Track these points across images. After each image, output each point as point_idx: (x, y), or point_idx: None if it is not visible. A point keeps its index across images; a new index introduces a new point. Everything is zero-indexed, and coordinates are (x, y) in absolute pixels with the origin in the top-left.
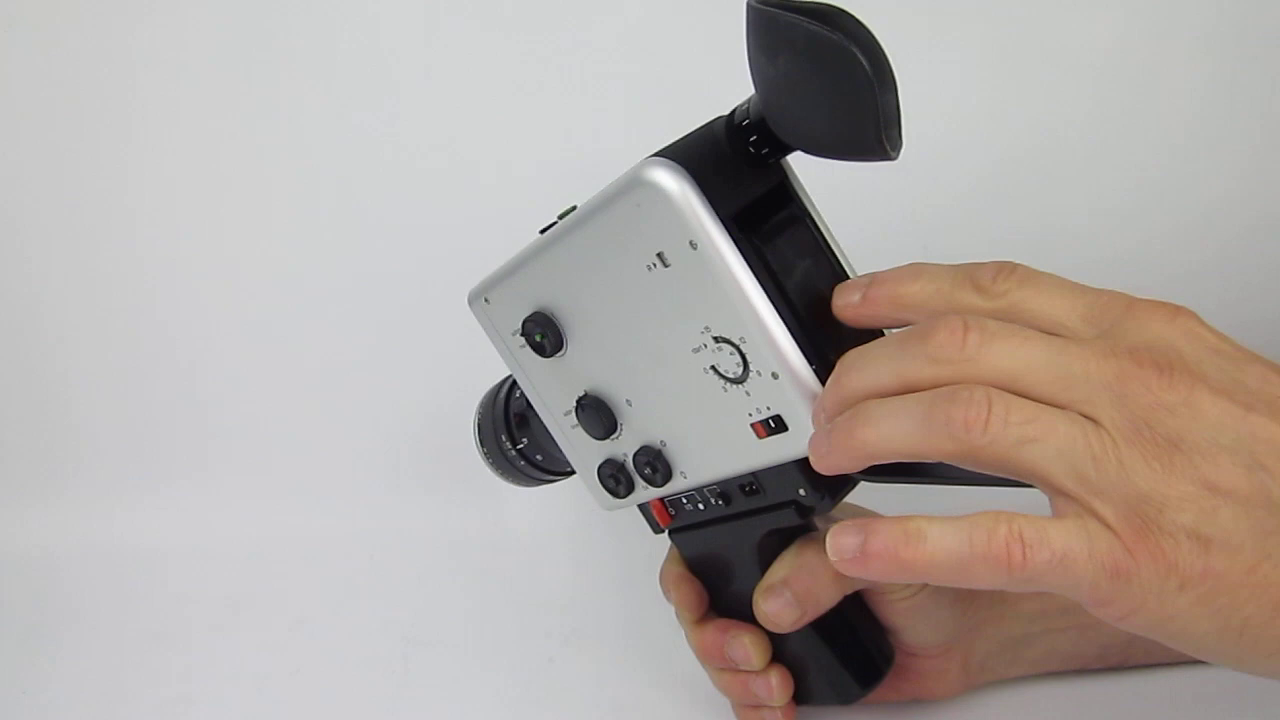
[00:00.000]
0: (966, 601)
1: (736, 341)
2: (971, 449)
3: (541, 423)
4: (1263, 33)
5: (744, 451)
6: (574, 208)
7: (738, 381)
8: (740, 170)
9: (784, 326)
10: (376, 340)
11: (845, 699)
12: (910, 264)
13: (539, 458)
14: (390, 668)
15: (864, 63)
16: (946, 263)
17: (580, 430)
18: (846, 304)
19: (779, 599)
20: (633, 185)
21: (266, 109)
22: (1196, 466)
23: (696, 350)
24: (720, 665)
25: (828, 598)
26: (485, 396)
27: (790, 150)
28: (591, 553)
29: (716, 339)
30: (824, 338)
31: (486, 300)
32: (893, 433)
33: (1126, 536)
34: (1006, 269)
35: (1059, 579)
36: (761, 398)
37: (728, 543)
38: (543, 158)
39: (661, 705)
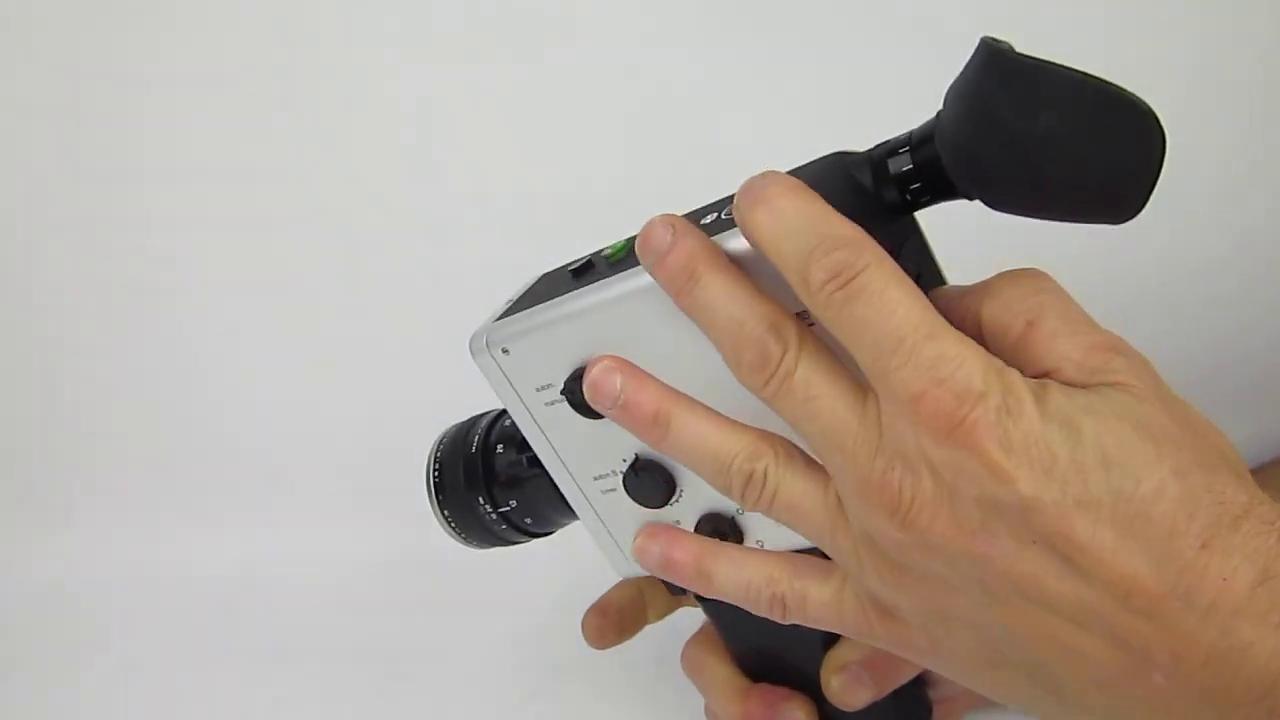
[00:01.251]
0: None
1: None
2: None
3: (542, 484)
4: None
5: None
6: (626, 243)
7: None
8: (882, 219)
9: None
10: (361, 369)
11: None
12: (765, 200)
13: (527, 521)
14: (369, 702)
15: (1160, 127)
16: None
17: (618, 495)
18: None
19: (853, 678)
20: None
21: (262, 136)
22: (923, 593)
23: None
24: None
25: (905, 674)
26: (447, 446)
27: (952, 199)
28: (575, 584)
29: None
30: None
31: (505, 351)
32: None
33: (871, 616)
34: (845, 273)
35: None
36: None
37: None
38: (536, 186)
39: None
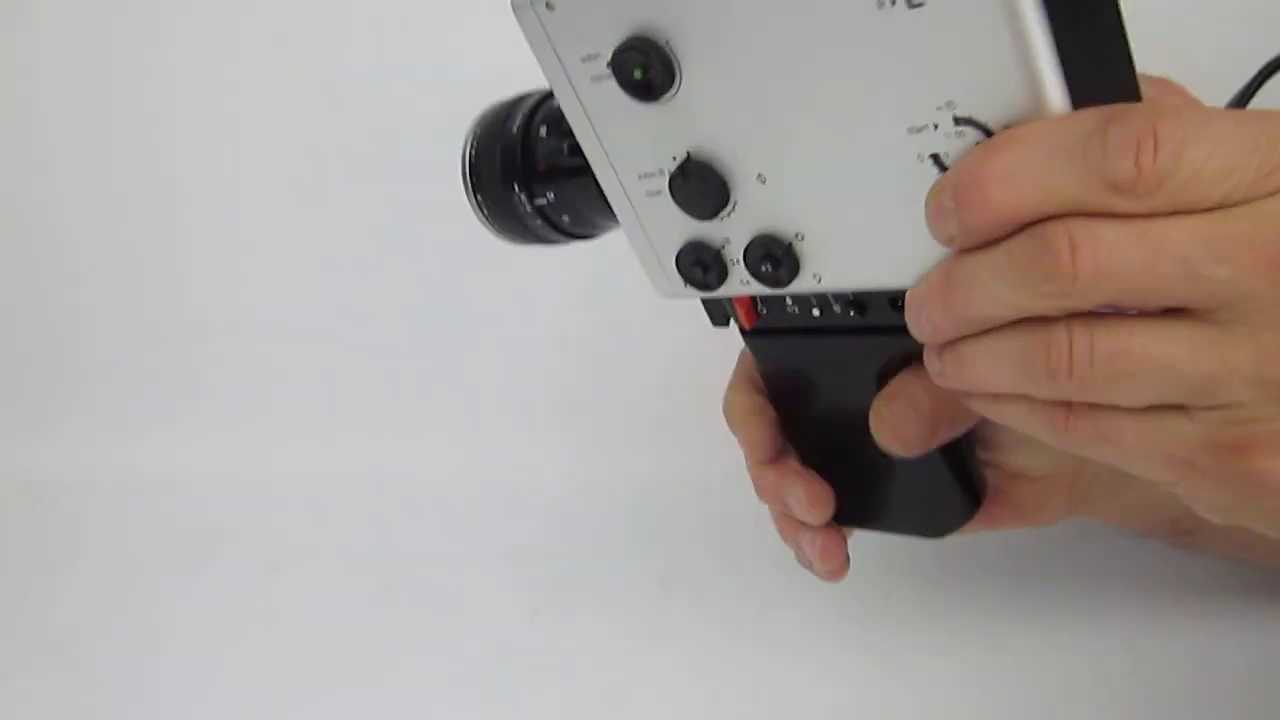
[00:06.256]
0: None
1: (994, 129)
2: (1066, 394)
3: (583, 179)
4: None
5: (931, 263)
6: None
7: None
8: None
9: None
10: (362, 275)
11: (932, 533)
12: (1002, 147)
13: (565, 219)
14: (369, 616)
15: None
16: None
17: (664, 199)
18: (940, 210)
19: (909, 407)
20: None
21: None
22: None
23: (917, 130)
24: (780, 510)
25: (964, 424)
26: (488, 121)
27: None
28: (580, 501)
29: (959, 119)
30: None
31: (549, 6)
32: (996, 382)
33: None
34: (1147, 145)
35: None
36: None
37: (834, 358)
38: None
39: (649, 663)
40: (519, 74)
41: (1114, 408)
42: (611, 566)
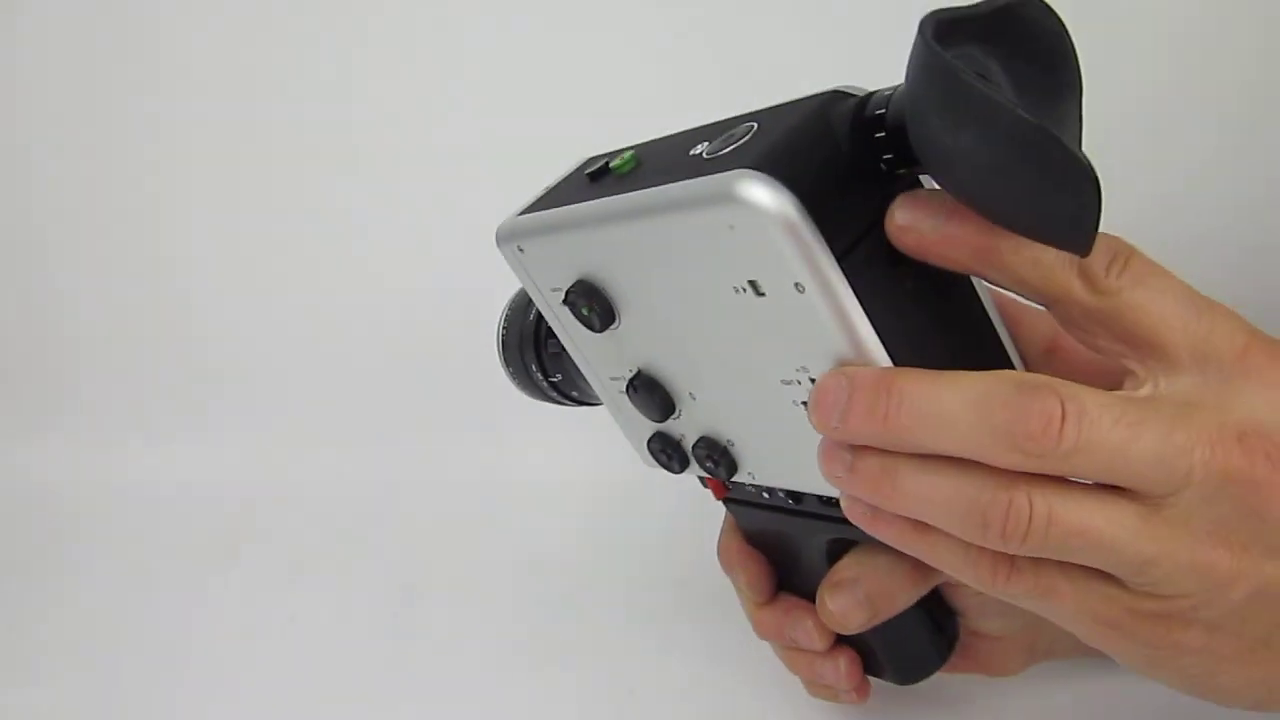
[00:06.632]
0: None
1: None
2: (1007, 550)
3: (576, 367)
4: None
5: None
6: (633, 155)
7: None
8: (862, 181)
9: None
10: (377, 279)
11: (903, 681)
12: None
13: (574, 393)
14: (385, 619)
15: (1089, 172)
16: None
17: (627, 398)
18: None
19: (849, 596)
20: (724, 200)
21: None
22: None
23: (787, 382)
24: (784, 644)
25: (904, 599)
26: (515, 306)
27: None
28: (599, 507)
29: (815, 380)
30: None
31: (520, 249)
32: (924, 513)
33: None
34: (1121, 257)
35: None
36: None
37: (792, 530)
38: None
39: (663, 669)
40: None
41: (1054, 569)
42: (629, 571)
